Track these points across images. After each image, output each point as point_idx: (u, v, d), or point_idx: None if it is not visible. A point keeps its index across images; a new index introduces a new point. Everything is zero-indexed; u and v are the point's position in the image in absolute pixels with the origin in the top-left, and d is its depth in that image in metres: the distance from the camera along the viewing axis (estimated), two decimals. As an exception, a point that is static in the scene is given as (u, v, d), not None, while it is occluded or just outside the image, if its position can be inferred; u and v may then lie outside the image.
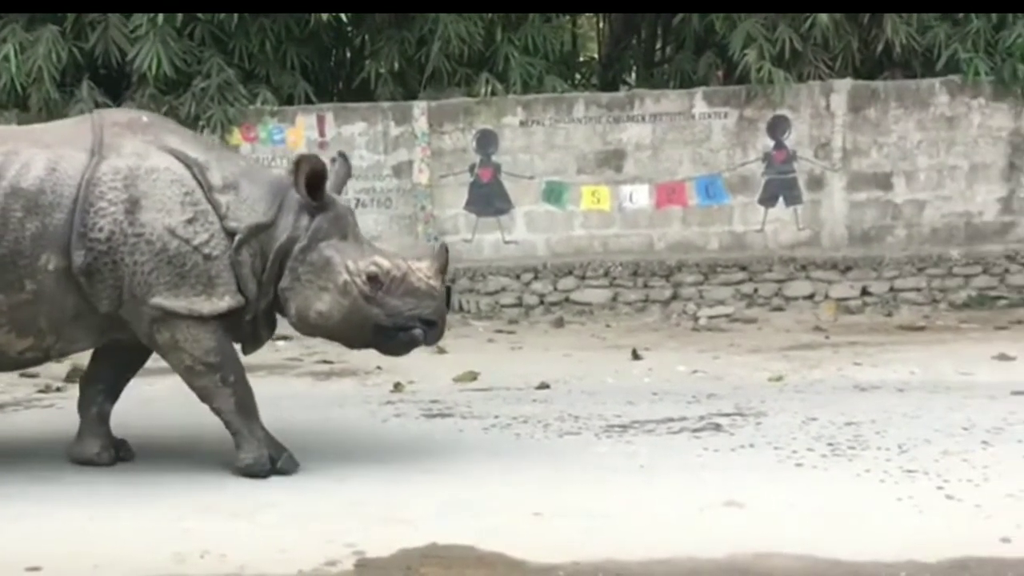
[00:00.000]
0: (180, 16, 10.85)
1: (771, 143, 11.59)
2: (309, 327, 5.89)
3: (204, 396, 5.87)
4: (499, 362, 8.27)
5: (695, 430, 6.66)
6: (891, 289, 11.33)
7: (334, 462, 6.04)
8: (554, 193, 11.66)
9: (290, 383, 8.46)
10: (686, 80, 12.14)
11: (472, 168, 11.48)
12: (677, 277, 11.38)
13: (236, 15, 10.95)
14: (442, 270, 5.99)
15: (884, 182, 11.63)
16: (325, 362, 9.09)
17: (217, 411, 5.87)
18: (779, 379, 8.23)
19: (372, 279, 5.75)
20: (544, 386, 8.05)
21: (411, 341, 5.88)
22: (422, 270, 5.87)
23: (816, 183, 11.62)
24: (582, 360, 8.93)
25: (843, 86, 11.53)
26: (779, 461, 5.96)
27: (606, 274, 11.39)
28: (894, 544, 4.72)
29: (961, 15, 11.39)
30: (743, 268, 11.42)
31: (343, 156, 6.43)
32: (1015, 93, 11.41)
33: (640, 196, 11.68)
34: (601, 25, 14.40)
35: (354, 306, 5.75)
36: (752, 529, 4.94)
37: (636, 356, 9.13)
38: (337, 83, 13.08)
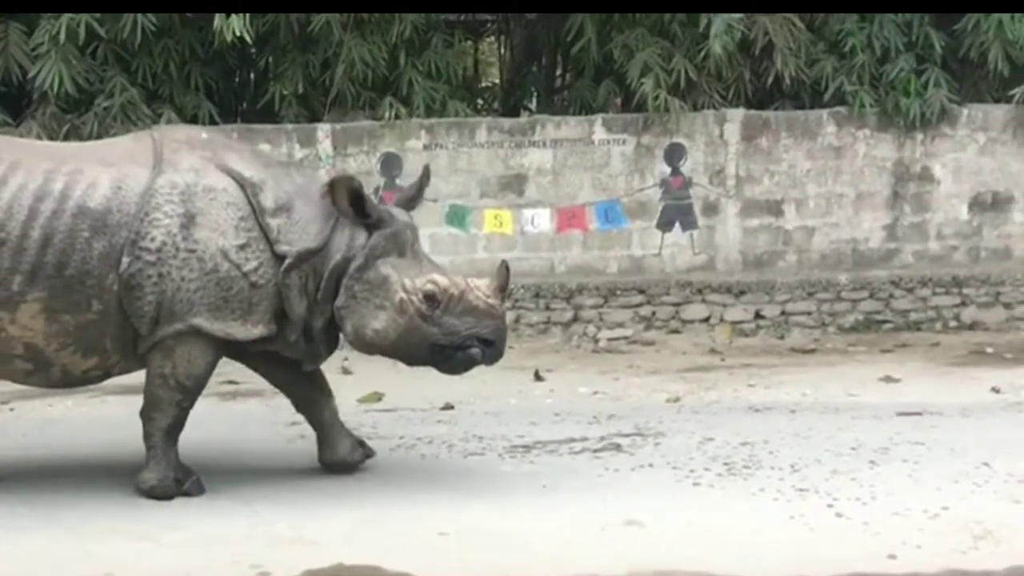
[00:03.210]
0: (83, 34, 10.74)
1: (668, 170, 11.83)
2: (365, 345, 5.88)
3: (151, 403, 5.83)
4: (404, 383, 8.31)
5: (596, 450, 6.82)
6: (783, 313, 11.62)
7: (240, 483, 6.05)
8: (457, 216, 11.77)
9: (199, 403, 8.39)
10: (586, 107, 12.34)
11: (376, 191, 11.52)
12: (578, 300, 11.56)
13: (139, 34, 10.87)
14: (502, 289, 5.96)
15: (775, 209, 11.95)
16: (230, 382, 9.05)
17: (150, 420, 5.84)
18: (676, 400, 8.43)
19: (429, 297, 5.74)
20: (448, 407, 8.14)
21: (469, 360, 5.84)
22: (481, 288, 5.86)
23: (711, 209, 11.90)
24: (486, 381, 9.01)
25: (736, 115, 11.83)
26: (677, 480, 6.14)
27: (508, 296, 11.48)
28: (786, 561, 4.91)
29: (847, 48, 11.76)
30: (641, 291, 11.63)
31: (425, 171, 6.38)
32: (898, 125, 11.78)
33: (541, 220, 11.84)
34: (503, 51, 14.57)
35: (411, 324, 5.74)
36: (651, 547, 5.09)
37: (538, 377, 9.27)
38: (241, 104, 13.02)
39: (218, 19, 10.33)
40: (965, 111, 11.86)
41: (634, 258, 11.93)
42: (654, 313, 11.63)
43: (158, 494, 5.79)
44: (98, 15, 10.86)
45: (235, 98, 13.00)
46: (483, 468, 6.44)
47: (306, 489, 5.98)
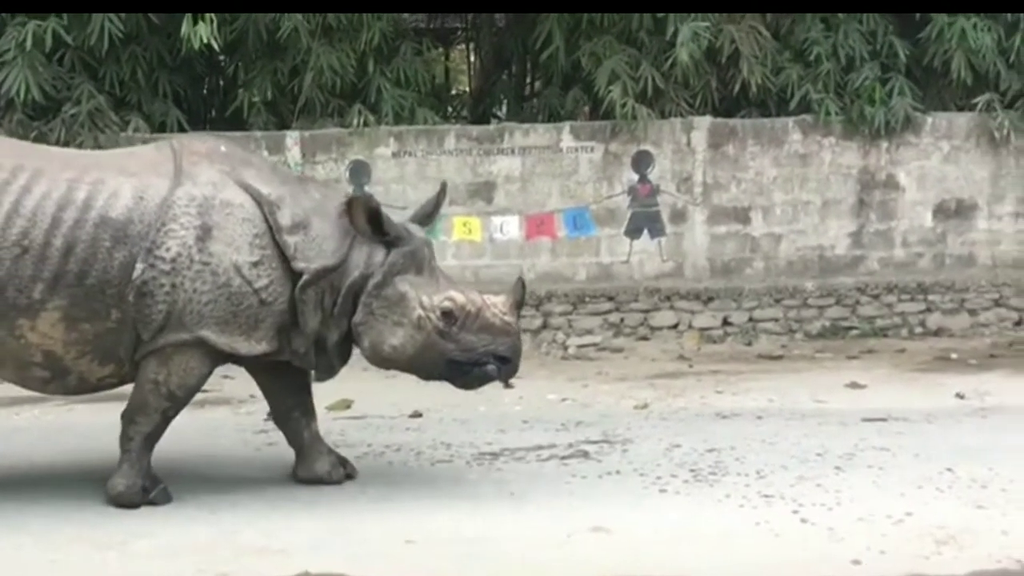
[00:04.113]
0: (49, 41, 10.67)
1: (636, 177, 11.87)
2: (382, 361, 5.94)
3: (137, 408, 5.83)
4: (373, 391, 8.32)
5: (563, 457, 6.84)
6: (750, 319, 11.69)
7: (206, 491, 6.04)
8: (426, 223, 11.75)
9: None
10: (554, 115, 12.36)
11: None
12: (547, 307, 11.59)
13: (107, 41, 10.82)
14: (518, 305, 6.04)
15: (743, 216, 12.00)
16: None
17: (132, 424, 5.84)
18: (645, 407, 8.46)
19: (446, 314, 5.81)
20: (417, 414, 8.15)
21: (484, 377, 5.95)
22: (497, 306, 5.93)
23: (679, 216, 11.95)
24: (454, 389, 9.01)
25: (703, 123, 11.88)
26: (644, 487, 6.18)
27: (476, 303, 11.51)
28: (751, 567, 4.96)
29: (812, 57, 11.85)
30: (610, 298, 11.67)
31: (442, 187, 6.47)
32: (863, 133, 11.85)
33: (510, 227, 11.86)
34: (472, 59, 14.60)
35: (428, 341, 5.81)
36: (618, 554, 5.13)
37: (507, 384, 9.25)
38: (210, 111, 12.97)
39: (185, 26, 10.30)
40: (929, 119, 11.96)
41: (603, 265, 11.97)
42: (623, 320, 11.67)
43: (124, 501, 5.79)
44: (65, 22, 10.80)
45: (203, 105, 12.95)
46: (451, 475, 6.46)
47: (273, 497, 5.98)
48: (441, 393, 8.77)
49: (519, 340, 6.06)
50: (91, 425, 7.73)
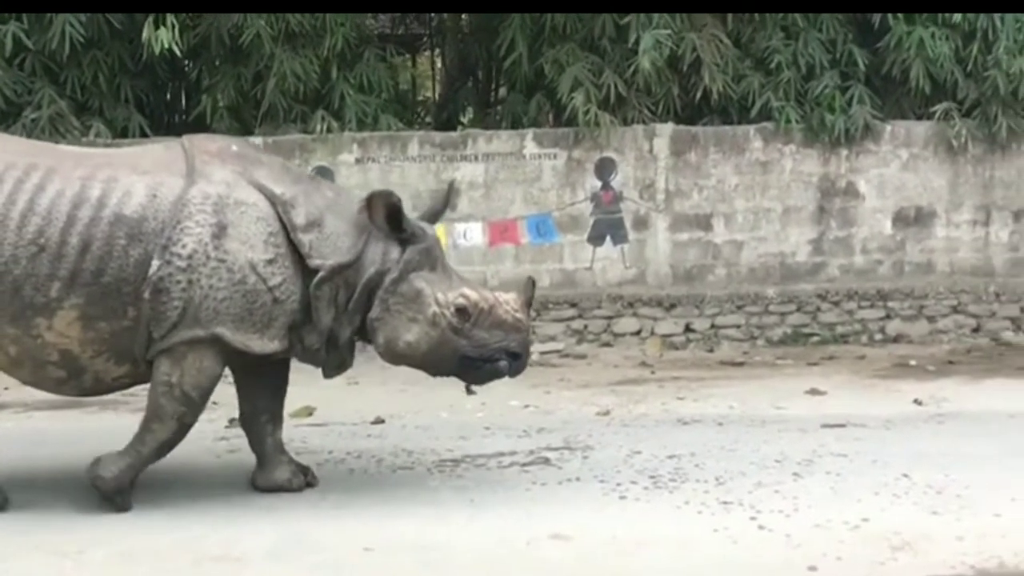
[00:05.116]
0: (10, 45, 10.61)
1: (598, 184, 11.92)
2: (396, 357, 6.01)
3: (152, 414, 5.81)
4: (335, 397, 8.32)
5: (524, 464, 6.86)
6: (712, 326, 11.76)
7: (165, 498, 6.02)
8: (389, 229, 11.73)
9: (124, 418, 8.30)
10: (518, 122, 12.38)
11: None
12: (509, 313, 11.58)
13: (68, 46, 10.76)
14: (528, 303, 6.15)
15: (705, 223, 12.08)
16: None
17: (149, 431, 5.82)
18: (606, 413, 8.49)
19: (461, 311, 5.89)
20: (379, 421, 8.14)
21: (495, 372, 6.05)
22: (509, 303, 6.03)
23: (641, 223, 12.01)
24: (417, 395, 9.04)
25: (665, 130, 11.94)
26: (604, 494, 6.20)
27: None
28: (710, 573, 5.00)
29: (773, 65, 11.93)
30: (573, 305, 11.71)
31: (449, 186, 6.60)
32: (823, 140, 11.96)
33: (474, 234, 11.88)
34: (438, 65, 14.61)
35: (442, 337, 5.89)
36: (576, 561, 5.15)
37: (470, 391, 9.22)
38: (173, 117, 12.92)
39: (147, 30, 10.26)
40: (888, 127, 12.09)
41: (566, 272, 12.01)
42: (586, 326, 11.71)
43: (108, 487, 5.78)
44: (25, 25, 10.75)
45: (166, 110, 12.90)
46: (411, 482, 6.46)
47: (233, 505, 5.96)
48: (403, 400, 8.85)
49: (529, 337, 6.19)
50: (49, 432, 7.69)
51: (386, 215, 5.89)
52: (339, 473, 6.68)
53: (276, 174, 6.01)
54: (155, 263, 5.57)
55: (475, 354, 5.96)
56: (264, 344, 5.80)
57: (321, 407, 8.48)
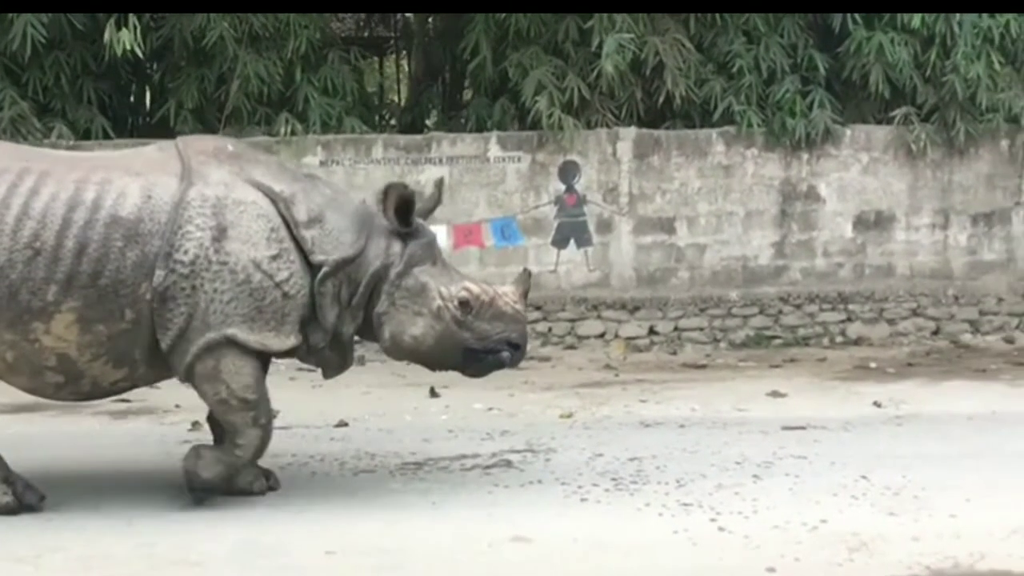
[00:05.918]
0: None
1: (562, 187, 11.95)
2: (402, 351, 6.08)
3: (232, 432, 5.86)
4: (299, 400, 8.30)
5: (487, 467, 6.89)
6: (676, 328, 11.81)
7: (126, 503, 6.00)
8: (353, 232, 11.71)
9: (84, 422, 8.29)
10: (482, 124, 12.40)
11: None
12: (474, 316, 11.58)
13: (29, 47, 10.68)
14: (525, 295, 6.29)
15: (668, 226, 12.13)
16: (122, 400, 8.91)
17: (236, 445, 5.86)
18: (569, 416, 8.53)
19: (463, 304, 6.00)
20: (342, 424, 8.14)
21: (497, 363, 6.18)
22: (508, 295, 6.16)
23: (605, 226, 12.05)
24: (381, 398, 9.06)
25: (628, 134, 11.97)
26: (566, 496, 6.24)
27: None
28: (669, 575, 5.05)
29: (735, 69, 12.01)
30: (538, 308, 11.70)
31: (438, 184, 6.67)
32: (784, 144, 12.05)
33: (438, 237, 11.82)
34: (404, 69, 14.59)
35: (447, 330, 5.98)
36: (537, 563, 5.18)
37: (434, 394, 9.29)
38: (136, 119, 12.83)
39: (108, 32, 10.19)
40: (848, 132, 12.20)
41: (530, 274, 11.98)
42: (550, 329, 11.74)
43: (202, 486, 5.88)
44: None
45: (130, 112, 12.80)
46: (373, 485, 6.47)
47: (192, 509, 5.94)
48: (367, 403, 8.85)
49: (526, 327, 6.32)
50: (11, 436, 7.62)
51: (396, 208, 5.96)
52: (301, 476, 6.68)
53: (274, 172, 6.05)
54: (159, 272, 5.58)
55: (478, 346, 6.08)
56: (281, 341, 5.82)
57: (284, 410, 8.40)
